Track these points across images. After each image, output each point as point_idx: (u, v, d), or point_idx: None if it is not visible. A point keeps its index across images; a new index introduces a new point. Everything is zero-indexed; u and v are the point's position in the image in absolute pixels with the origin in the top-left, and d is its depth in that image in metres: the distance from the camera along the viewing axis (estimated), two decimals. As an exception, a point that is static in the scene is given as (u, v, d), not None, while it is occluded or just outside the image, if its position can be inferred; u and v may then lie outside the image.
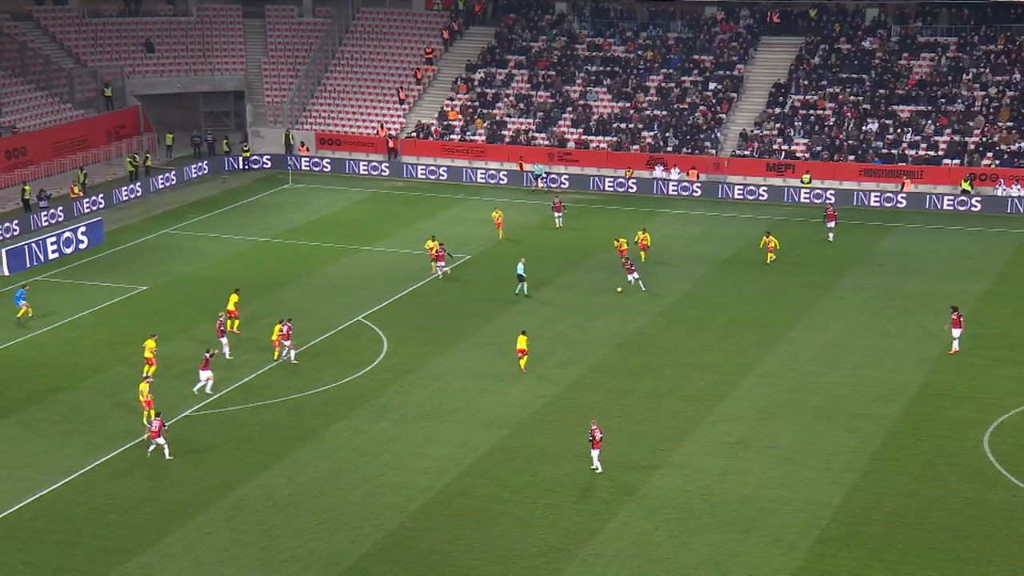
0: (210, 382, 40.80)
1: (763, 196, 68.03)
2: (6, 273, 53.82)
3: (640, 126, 73.59)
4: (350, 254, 57.31)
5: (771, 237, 55.76)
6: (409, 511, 33.42)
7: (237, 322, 46.12)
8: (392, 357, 44.67)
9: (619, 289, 50.71)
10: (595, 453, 35.47)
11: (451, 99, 77.62)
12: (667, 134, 72.67)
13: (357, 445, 37.59)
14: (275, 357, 43.68)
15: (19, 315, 47.70)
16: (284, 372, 43.12)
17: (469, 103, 76.96)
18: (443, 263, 52.73)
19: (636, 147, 72.28)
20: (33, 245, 55.51)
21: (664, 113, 74.04)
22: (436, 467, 35.98)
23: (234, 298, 46.59)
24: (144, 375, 39.48)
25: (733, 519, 33.02)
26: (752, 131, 72.04)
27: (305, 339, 45.60)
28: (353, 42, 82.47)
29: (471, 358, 44.73)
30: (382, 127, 75.99)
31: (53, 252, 56.12)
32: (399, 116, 77.16)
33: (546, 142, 73.73)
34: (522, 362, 43.24)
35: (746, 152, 70.90)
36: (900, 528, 32.62)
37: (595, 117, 74.54)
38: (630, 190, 69.54)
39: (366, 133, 76.40)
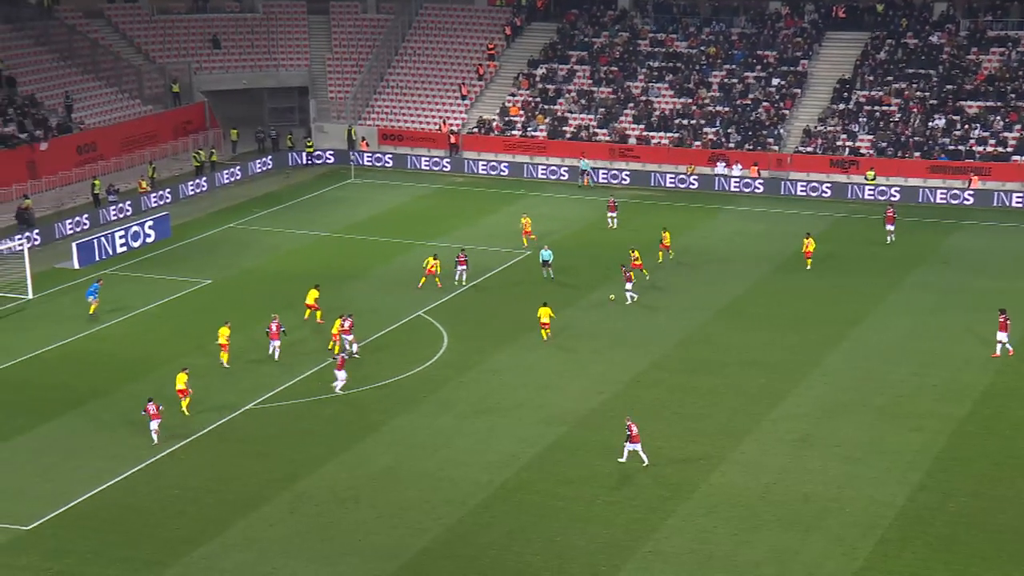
0: (341, 383, 41.04)
1: (826, 193, 67.27)
2: (76, 267, 54.67)
3: (702, 122, 73.10)
4: (411, 249, 57.54)
5: (810, 239, 54.32)
6: (469, 506, 33.53)
7: (320, 312, 46.81)
8: (452, 352, 44.81)
9: (611, 296, 49.64)
10: (637, 447, 35.57)
11: (512, 95, 77.66)
12: (729, 130, 72.13)
13: (417, 440, 37.77)
14: (335, 352, 43.98)
15: (91, 311, 48.26)
16: (345, 366, 43.37)
17: (530, 99, 76.95)
18: (465, 267, 51.82)
19: (698, 143, 71.80)
20: (102, 239, 56.36)
21: (727, 109, 73.51)
22: (495, 462, 36.06)
23: (314, 293, 47.09)
24: (185, 367, 40.04)
25: (794, 518, 32.75)
26: (816, 127, 71.30)
27: (366, 333, 45.87)
28: (416, 38, 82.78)
29: (531, 354, 44.71)
30: (444, 123, 76.23)
31: (121, 246, 56.95)
32: (461, 112, 77.35)
33: (607, 138, 73.49)
34: (544, 333, 44.54)
35: (809, 149, 70.17)
36: (965, 529, 32.15)
37: (657, 113, 74.16)
38: (691, 187, 69.07)
39: (428, 129, 76.67)
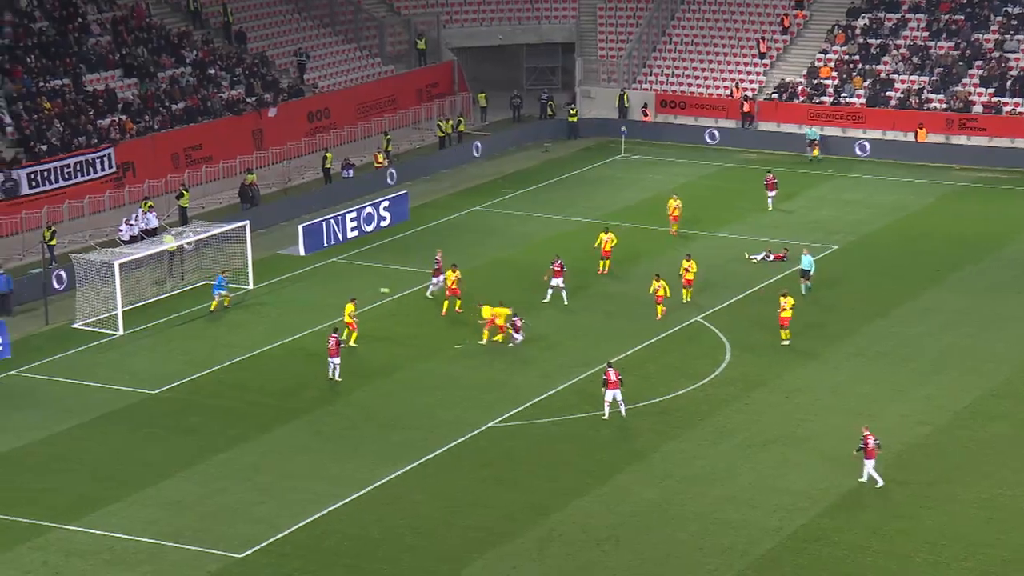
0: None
1: None
2: (302, 253, 57.04)
3: (1075, 84, 70.29)
4: (691, 241, 57.42)
5: None
6: (752, 556, 33.29)
7: (355, 335, 46.20)
8: (736, 367, 44.61)
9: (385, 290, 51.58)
10: (869, 463, 35.96)
11: (824, 52, 76.44)
12: (1114, 95, 69.10)
13: (691, 472, 37.78)
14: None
15: (212, 308, 50.11)
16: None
17: (847, 57, 75.54)
18: (560, 280, 50.21)
19: (1067, 112, 69.23)
20: (332, 221, 58.61)
21: (1109, 67, 70.37)
22: (787, 504, 35.71)
23: (349, 308, 46.29)
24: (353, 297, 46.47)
25: None
26: None
27: (631, 342, 46.12)
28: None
29: (836, 372, 44.12)
30: (737, 87, 75.76)
31: (353, 230, 59.14)
32: (758, 73, 76.69)
33: (944, 106, 71.37)
34: (659, 309, 48.08)
35: None
36: None
37: (1013, 73, 71.57)
38: (1055, 167, 66.95)
39: (717, 94, 76.35)
